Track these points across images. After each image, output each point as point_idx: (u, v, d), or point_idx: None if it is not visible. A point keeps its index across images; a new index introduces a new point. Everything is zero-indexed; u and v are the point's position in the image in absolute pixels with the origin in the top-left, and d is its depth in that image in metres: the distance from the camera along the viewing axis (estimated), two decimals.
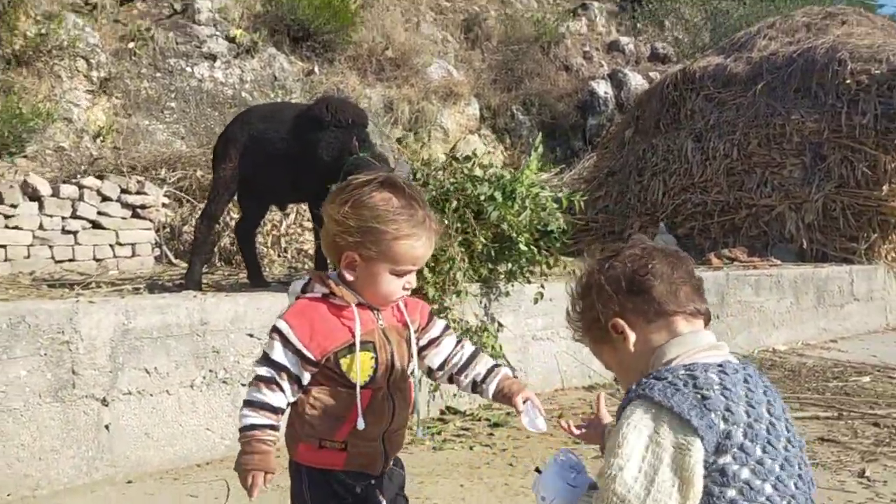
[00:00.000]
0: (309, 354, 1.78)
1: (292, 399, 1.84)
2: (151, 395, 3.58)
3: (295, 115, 3.94)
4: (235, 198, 4.49)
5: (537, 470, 1.61)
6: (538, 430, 1.87)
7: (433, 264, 4.13)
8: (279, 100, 10.54)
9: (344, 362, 1.78)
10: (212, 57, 10.83)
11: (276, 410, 1.82)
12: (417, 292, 4.13)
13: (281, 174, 3.92)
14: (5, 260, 5.55)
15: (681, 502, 1.19)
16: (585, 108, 14.31)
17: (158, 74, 10.40)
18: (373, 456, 1.84)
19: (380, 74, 12.50)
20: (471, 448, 3.99)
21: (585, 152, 13.11)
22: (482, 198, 4.30)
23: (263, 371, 1.81)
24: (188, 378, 3.69)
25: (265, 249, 6.67)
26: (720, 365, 1.30)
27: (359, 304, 1.82)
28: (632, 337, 1.38)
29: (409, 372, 1.89)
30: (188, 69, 10.61)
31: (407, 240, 1.76)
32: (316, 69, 11.92)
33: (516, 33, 14.76)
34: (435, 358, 1.95)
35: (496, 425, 4.35)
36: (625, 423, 1.24)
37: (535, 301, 4.74)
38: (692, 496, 1.19)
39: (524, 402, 1.86)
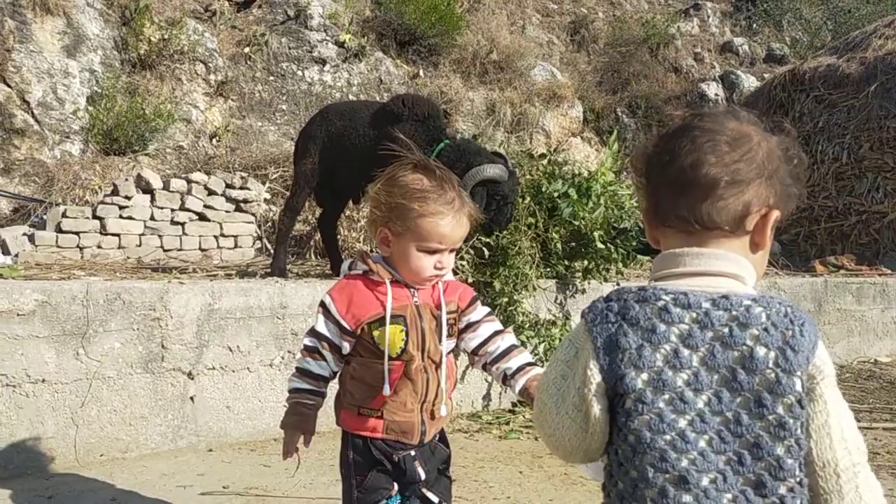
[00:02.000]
0: (345, 324, 1.92)
1: (335, 368, 2.00)
2: (233, 371, 3.84)
3: (372, 112, 4.12)
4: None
5: None
6: None
7: (504, 258, 4.22)
8: None
9: (377, 334, 1.91)
10: (321, 61, 11.27)
11: (318, 378, 1.98)
12: (488, 285, 4.24)
13: (357, 169, 4.10)
14: (119, 247, 6.02)
15: (583, 427, 1.20)
16: None
17: (271, 78, 10.92)
18: (409, 425, 1.95)
19: (483, 77, 12.64)
20: (536, 439, 4.04)
21: None
22: (556, 194, 4.35)
23: (308, 341, 1.99)
24: (268, 357, 3.92)
25: (357, 244, 6.92)
26: (673, 298, 1.16)
27: (394, 282, 1.94)
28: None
29: (443, 350, 1.96)
30: (299, 73, 11.08)
31: (432, 217, 1.87)
32: (421, 72, 12.19)
33: (624, 35, 14.57)
34: (471, 342, 2.03)
35: None
36: (566, 336, 1.28)
37: None
38: (590, 427, 1.19)
39: None
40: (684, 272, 1.20)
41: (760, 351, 1.12)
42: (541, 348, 4.33)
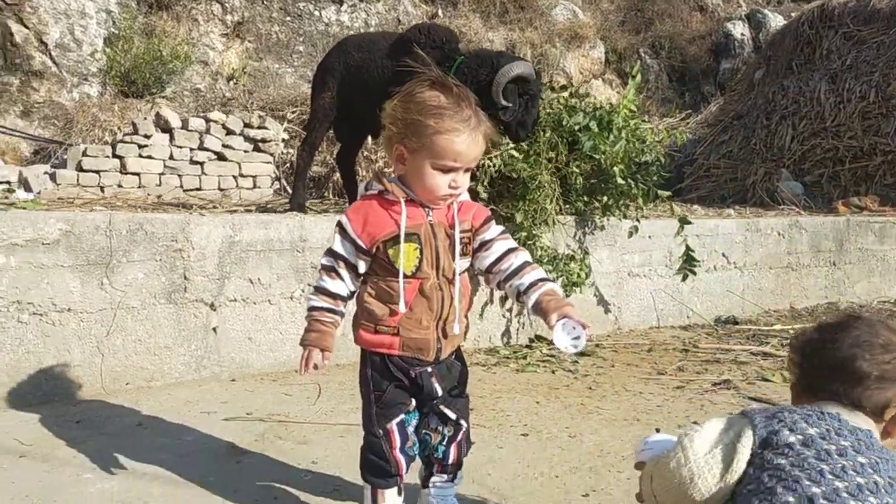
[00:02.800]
0: (361, 243, 1.94)
1: (352, 287, 2.01)
2: (255, 303, 3.88)
3: (390, 42, 4.07)
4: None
5: (657, 430, 1.80)
6: (568, 351, 1.84)
7: (524, 192, 4.20)
8: None
9: (392, 252, 1.92)
10: (339, 1, 11.12)
11: (335, 296, 2.00)
12: (509, 219, 4.23)
13: (376, 101, 4.07)
14: (139, 186, 6.06)
15: (722, 472, 1.42)
16: (719, 52, 13.69)
17: (288, 18, 10.80)
18: (425, 342, 1.97)
19: (503, 17, 12.43)
20: (553, 372, 4.08)
21: (715, 98, 12.58)
22: (577, 128, 4.30)
23: (325, 260, 2.00)
24: (288, 290, 3.96)
25: None
26: (822, 411, 1.44)
27: (409, 201, 1.94)
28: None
29: (457, 268, 1.98)
30: (316, 13, 10.95)
31: (448, 134, 1.85)
32: (440, 12, 12.00)
33: None
34: (485, 260, 2.03)
35: (582, 354, 4.40)
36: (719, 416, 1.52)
37: (630, 235, 4.71)
38: (731, 471, 1.41)
39: (560, 320, 1.86)
40: None
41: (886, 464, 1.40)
42: (559, 283, 4.34)
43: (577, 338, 1.83)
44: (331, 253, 2.00)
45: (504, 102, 3.76)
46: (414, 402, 2.05)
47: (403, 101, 1.91)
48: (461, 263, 1.99)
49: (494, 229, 2.06)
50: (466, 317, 2.06)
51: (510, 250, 2.02)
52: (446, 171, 1.89)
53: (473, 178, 4.17)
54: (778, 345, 4.73)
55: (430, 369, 2.01)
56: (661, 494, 1.50)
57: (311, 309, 2.02)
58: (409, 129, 1.88)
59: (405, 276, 1.92)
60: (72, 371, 3.42)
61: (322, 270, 2.02)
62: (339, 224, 1.99)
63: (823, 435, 1.38)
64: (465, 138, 1.87)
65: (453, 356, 2.09)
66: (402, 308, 1.92)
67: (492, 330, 4.55)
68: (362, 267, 1.98)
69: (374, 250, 1.94)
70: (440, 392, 2.04)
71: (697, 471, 1.42)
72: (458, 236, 1.97)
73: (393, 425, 2.01)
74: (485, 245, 2.03)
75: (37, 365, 3.34)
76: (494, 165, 4.23)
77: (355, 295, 2.04)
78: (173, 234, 3.64)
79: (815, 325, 1.59)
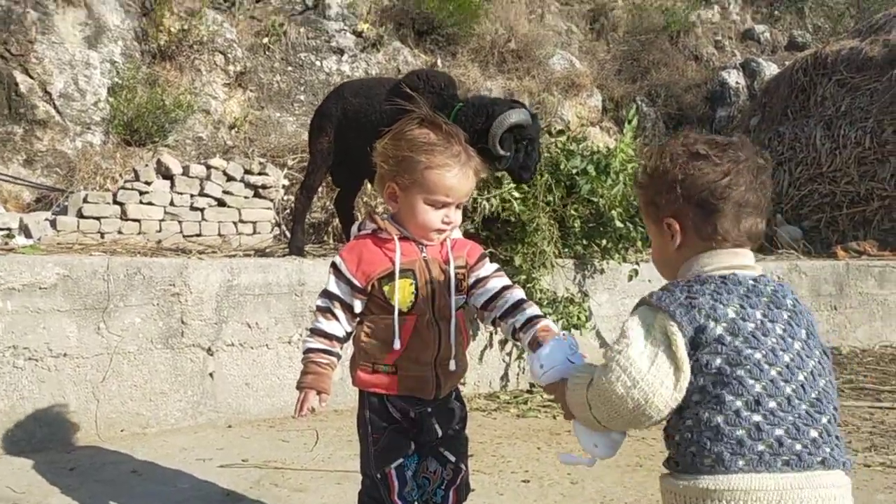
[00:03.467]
0: (356, 282, 1.94)
1: (348, 328, 2.00)
2: (252, 347, 3.86)
3: (388, 88, 4.11)
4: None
5: (539, 344, 1.73)
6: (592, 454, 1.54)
7: (522, 235, 4.20)
8: None
9: (387, 289, 1.93)
10: (339, 51, 11.29)
11: (331, 337, 1.99)
12: (508, 262, 4.22)
13: (374, 146, 4.12)
14: (139, 233, 6.07)
15: (674, 382, 1.34)
16: (714, 99, 13.84)
17: (290, 68, 10.95)
18: (423, 381, 1.95)
19: (501, 66, 12.60)
20: (554, 417, 4.03)
21: None
22: (575, 171, 4.33)
23: (320, 302, 2.00)
24: (286, 334, 3.94)
25: None
26: (722, 277, 1.40)
27: (403, 238, 1.95)
28: (678, 239, 1.46)
29: (453, 304, 1.97)
30: (317, 63, 11.11)
31: (439, 169, 1.88)
32: (439, 62, 12.17)
33: (644, 23, 14.47)
34: (480, 297, 2.03)
35: None
36: (630, 317, 1.41)
37: (630, 278, 4.71)
38: (682, 379, 1.34)
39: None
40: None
41: (799, 314, 1.43)
42: (559, 326, 4.31)
43: (596, 445, 1.51)
44: (326, 294, 1.99)
45: (501, 152, 3.78)
46: (413, 446, 2.02)
47: (394, 140, 1.94)
48: (457, 299, 1.99)
49: (489, 266, 2.06)
50: (464, 354, 2.05)
51: (505, 287, 2.02)
52: (438, 206, 1.91)
53: (466, 215, 4.18)
54: None
55: (429, 409, 1.99)
56: (610, 421, 1.40)
57: (308, 351, 2.01)
58: (401, 166, 1.90)
59: (401, 313, 1.92)
60: (67, 417, 3.38)
61: (317, 312, 2.01)
62: (334, 264, 1.99)
63: (742, 314, 1.35)
64: (457, 173, 1.90)
65: (453, 396, 2.07)
66: (397, 345, 1.91)
67: (491, 374, 4.51)
68: (358, 307, 1.97)
69: (369, 288, 1.94)
70: (440, 433, 2.02)
71: (649, 388, 1.33)
72: (452, 272, 1.97)
73: (392, 469, 1.98)
74: (480, 282, 2.03)
75: (31, 411, 3.30)
76: (492, 206, 4.24)
77: (351, 336, 2.03)
78: (171, 278, 3.63)
79: (700, 154, 1.45)
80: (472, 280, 2.04)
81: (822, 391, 1.37)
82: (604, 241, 4.65)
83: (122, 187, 6.26)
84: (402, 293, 1.91)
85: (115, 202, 6.13)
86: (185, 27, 9.59)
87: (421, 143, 1.89)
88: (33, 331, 3.29)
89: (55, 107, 8.84)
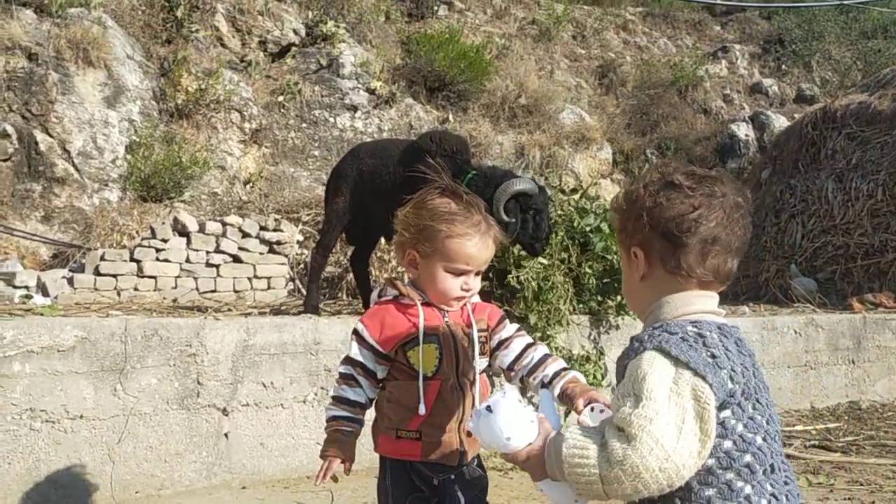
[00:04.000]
0: (380, 348, 1.95)
1: (371, 395, 2.00)
2: (267, 407, 3.85)
3: (402, 149, 4.18)
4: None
5: (488, 409, 1.49)
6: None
7: (538, 293, 4.21)
8: None
9: (411, 354, 1.93)
10: (353, 108, 11.48)
11: (354, 404, 1.99)
12: (523, 320, 4.22)
13: (388, 206, 4.17)
14: (155, 289, 6.12)
15: (699, 451, 1.27)
16: (724, 152, 13.92)
17: (304, 125, 11.13)
18: (448, 446, 1.94)
19: (512, 121, 12.76)
20: None
21: None
22: (588, 229, 4.35)
23: (343, 369, 2.01)
24: (301, 393, 3.93)
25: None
26: (719, 327, 1.38)
27: (425, 304, 1.97)
28: (643, 270, 1.43)
29: (476, 368, 1.98)
30: (331, 119, 11.29)
31: (459, 238, 1.91)
32: (450, 117, 12.34)
33: (652, 78, 14.66)
34: (505, 358, 2.03)
35: None
36: (648, 369, 1.29)
37: None
38: (708, 446, 1.28)
39: (587, 405, 1.78)
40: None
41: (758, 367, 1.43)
42: None
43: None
44: (348, 361, 1.99)
45: (505, 218, 3.83)
46: None
47: (416, 209, 1.97)
48: (480, 362, 2.00)
49: (510, 327, 2.08)
50: None
51: (529, 345, 2.03)
52: (458, 273, 1.94)
53: (485, 278, 4.19)
54: (801, 446, 4.62)
55: (452, 476, 1.97)
56: (626, 494, 1.28)
57: (331, 419, 2.00)
58: (422, 234, 1.93)
59: (425, 378, 1.92)
60: (82, 480, 3.37)
61: (340, 379, 2.01)
62: (356, 331, 2.00)
63: (745, 374, 1.33)
64: (477, 242, 1.93)
65: (475, 463, 2.06)
66: (422, 410, 1.91)
67: None
68: (381, 373, 1.98)
69: (393, 354, 1.94)
70: (462, 501, 1.99)
71: (681, 461, 1.24)
72: (476, 335, 1.98)
73: None
74: (503, 343, 2.04)
75: (46, 473, 3.29)
76: (505, 266, 4.26)
77: (374, 402, 2.03)
78: (188, 338, 3.65)
79: (673, 185, 1.40)
80: (494, 342, 2.05)
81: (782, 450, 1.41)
82: (618, 298, 4.64)
83: (139, 245, 6.33)
84: (426, 358, 1.92)
85: (132, 259, 6.19)
86: (203, 87, 9.79)
87: (442, 213, 1.92)
88: (50, 393, 3.30)
89: (74, 164, 8.99)
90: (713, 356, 1.30)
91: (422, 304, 1.96)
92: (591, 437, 1.33)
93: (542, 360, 1.99)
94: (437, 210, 1.93)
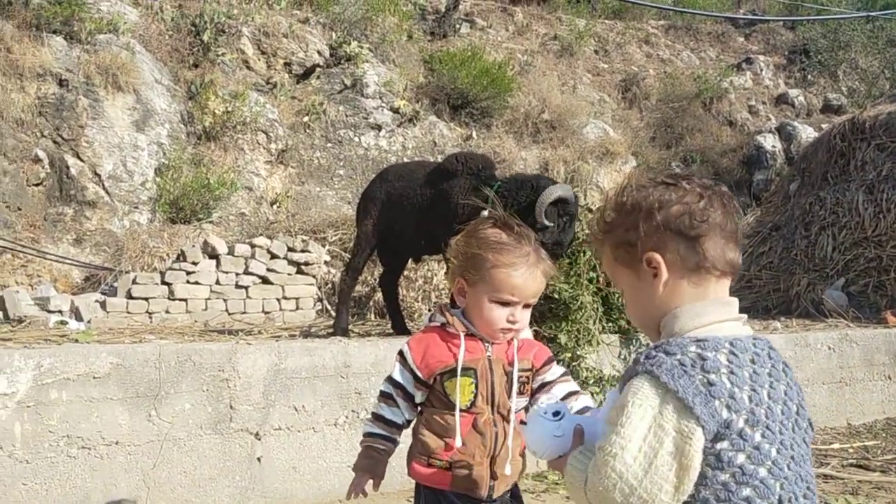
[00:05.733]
0: (419, 373, 1.96)
1: (408, 416, 2.02)
2: (299, 431, 3.86)
3: (428, 171, 4.21)
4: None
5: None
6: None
7: (566, 313, 4.19)
8: None
9: (448, 384, 1.94)
10: (377, 127, 11.56)
11: (391, 423, 2.01)
12: (552, 340, 4.21)
13: (416, 227, 4.19)
14: (186, 312, 6.18)
15: (676, 485, 1.20)
16: (751, 163, 13.82)
17: (329, 145, 11.23)
18: (478, 479, 1.93)
19: (536, 137, 12.78)
20: None
21: (751, 208, 12.62)
22: None
23: (384, 387, 2.04)
24: (332, 417, 3.94)
25: (415, 304, 6.97)
26: (731, 343, 1.27)
27: (469, 335, 1.97)
28: (664, 276, 1.32)
29: (513, 407, 1.96)
30: (356, 139, 11.38)
31: (505, 268, 1.91)
32: (474, 134, 12.38)
33: (676, 90, 14.62)
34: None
35: None
36: (630, 398, 1.23)
37: None
38: (687, 482, 1.21)
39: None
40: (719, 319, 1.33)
41: (792, 382, 1.32)
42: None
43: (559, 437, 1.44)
44: (390, 381, 2.01)
45: (546, 223, 3.87)
46: None
47: (466, 237, 2.00)
48: (518, 402, 1.98)
49: (556, 370, 2.06)
50: (522, 455, 2.03)
51: (571, 393, 2.00)
52: (504, 304, 1.93)
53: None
54: (839, 465, 4.54)
55: None
56: None
57: (367, 435, 2.03)
58: (470, 262, 1.95)
59: (460, 411, 1.92)
60: None
61: (381, 397, 2.03)
62: (401, 353, 2.02)
63: (755, 399, 1.23)
64: (524, 272, 1.92)
65: (508, 495, 2.05)
66: (458, 443, 1.92)
67: None
68: (419, 397, 1.99)
69: (431, 381, 1.95)
70: None
71: (648, 495, 1.19)
72: (515, 374, 1.98)
73: None
74: (545, 386, 2.03)
75: (83, 499, 3.32)
76: None
77: (411, 425, 2.04)
78: (220, 363, 3.67)
79: (670, 183, 1.34)
80: (537, 383, 2.03)
81: (810, 477, 1.30)
82: None
83: (170, 268, 6.40)
84: (462, 391, 1.93)
85: (163, 282, 6.26)
86: (229, 109, 9.92)
87: (492, 242, 1.94)
88: (87, 419, 3.34)
89: (104, 188, 9.13)
90: (709, 383, 1.21)
91: (466, 335, 1.96)
92: (585, 460, 1.31)
93: (581, 412, 1.91)
94: (486, 239, 1.95)
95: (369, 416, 2.06)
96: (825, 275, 8.63)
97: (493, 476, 1.95)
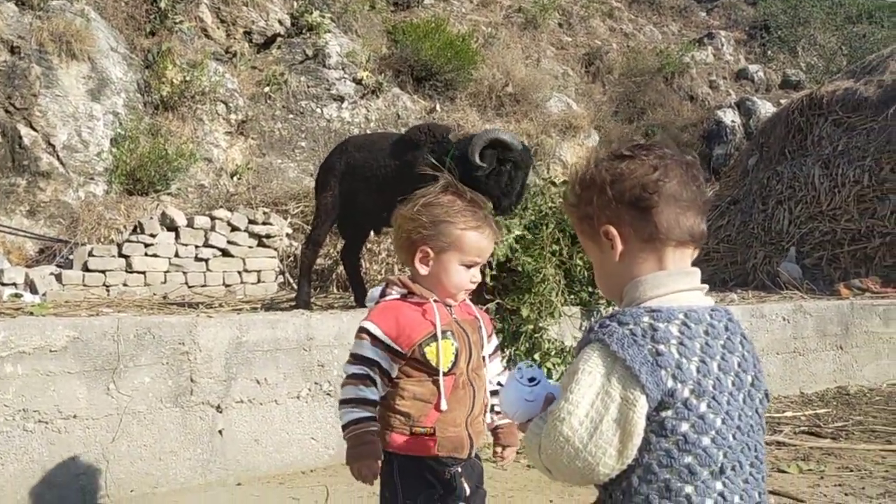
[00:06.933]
0: (397, 347, 1.94)
1: (383, 392, 1.99)
2: (261, 404, 3.84)
3: (391, 142, 4.18)
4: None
5: (500, 384, 1.65)
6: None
7: (529, 285, 4.22)
8: None
9: (429, 351, 1.94)
10: (340, 98, 11.43)
11: (374, 403, 1.97)
12: (515, 312, 4.23)
13: (378, 199, 4.16)
14: (144, 285, 6.09)
15: (619, 450, 1.25)
16: (711, 138, 13.99)
17: (291, 116, 11.08)
18: (460, 440, 1.97)
19: (499, 110, 12.76)
20: None
21: (710, 183, 12.79)
22: None
23: (356, 369, 1.96)
24: (295, 389, 3.93)
25: (378, 276, 6.95)
26: (685, 314, 1.30)
27: (435, 301, 1.99)
28: (619, 248, 1.35)
29: (483, 357, 2.05)
30: (318, 110, 11.24)
31: (474, 231, 1.97)
32: (437, 107, 12.32)
33: (639, 65, 14.69)
34: None
35: None
36: (581, 365, 1.27)
37: None
38: (630, 447, 1.25)
39: (502, 461, 2.07)
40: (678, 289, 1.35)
41: (748, 354, 1.35)
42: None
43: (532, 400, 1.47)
44: (362, 360, 1.96)
45: (478, 161, 3.86)
46: None
47: (426, 206, 1.99)
48: (487, 348, 2.08)
49: (494, 341, 2.16)
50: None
51: (502, 370, 2.13)
52: (469, 266, 1.99)
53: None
54: (791, 433, 4.67)
55: (460, 469, 1.99)
56: (564, 479, 1.33)
57: (355, 422, 1.95)
58: (437, 229, 1.96)
59: (443, 374, 1.94)
60: (76, 480, 3.35)
61: (355, 380, 1.96)
62: (367, 331, 1.96)
63: (703, 370, 1.25)
64: (488, 234, 2.00)
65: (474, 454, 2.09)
66: (444, 406, 1.94)
67: None
68: (395, 372, 1.97)
69: (410, 353, 1.95)
70: (468, 492, 2.01)
71: (592, 458, 1.24)
72: (484, 330, 2.07)
73: None
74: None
75: (41, 474, 3.28)
76: (497, 259, 4.27)
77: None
78: (181, 336, 3.63)
79: (625, 155, 1.36)
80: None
81: (759, 446, 1.33)
82: None
83: (128, 240, 6.29)
84: (444, 354, 1.95)
85: (121, 255, 6.15)
86: (188, 78, 9.72)
87: (457, 208, 1.98)
88: (43, 394, 3.28)
89: (58, 158, 8.91)
90: (657, 353, 1.24)
91: (434, 300, 1.98)
92: (542, 425, 1.35)
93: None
94: (450, 206, 1.98)
95: (342, 401, 1.98)
96: (781, 248, 8.81)
97: (471, 435, 1.99)
